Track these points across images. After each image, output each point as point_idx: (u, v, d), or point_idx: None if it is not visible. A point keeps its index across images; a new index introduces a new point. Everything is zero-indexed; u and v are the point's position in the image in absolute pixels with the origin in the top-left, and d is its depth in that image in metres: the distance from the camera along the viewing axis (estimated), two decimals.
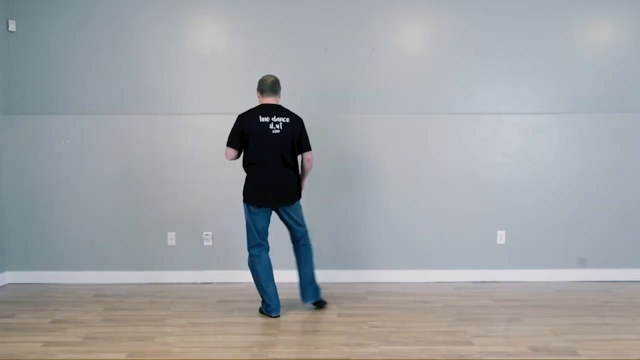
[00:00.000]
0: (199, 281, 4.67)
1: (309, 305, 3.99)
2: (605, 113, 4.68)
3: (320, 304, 3.95)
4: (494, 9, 4.67)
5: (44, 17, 4.64)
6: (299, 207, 3.91)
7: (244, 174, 3.88)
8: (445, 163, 4.66)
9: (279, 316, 3.78)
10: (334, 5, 4.66)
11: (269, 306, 3.78)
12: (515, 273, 4.68)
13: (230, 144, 3.75)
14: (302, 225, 3.92)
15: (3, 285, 4.60)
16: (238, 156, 3.82)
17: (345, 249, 4.68)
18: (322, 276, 4.63)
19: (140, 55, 4.67)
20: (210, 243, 4.67)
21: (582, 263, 4.69)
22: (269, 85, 3.78)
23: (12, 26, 4.62)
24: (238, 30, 4.70)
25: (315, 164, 4.54)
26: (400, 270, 4.68)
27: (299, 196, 3.88)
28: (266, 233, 3.83)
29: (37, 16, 4.64)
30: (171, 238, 4.66)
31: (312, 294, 3.91)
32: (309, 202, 4.61)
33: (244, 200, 3.79)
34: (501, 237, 4.68)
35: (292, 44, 4.68)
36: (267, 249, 3.83)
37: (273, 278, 3.82)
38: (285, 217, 3.86)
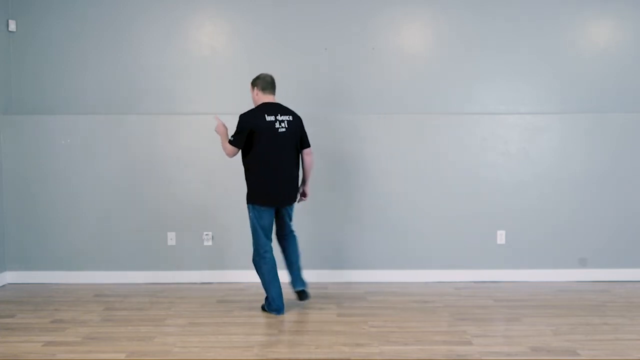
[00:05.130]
0: (199, 281, 4.67)
1: (309, 305, 4.00)
2: (605, 113, 4.68)
3: (305, 295, 3.92)
4: (493, 9, 4.67)
5: (44, 17, 4.64)
6: (294, 205, 3.98)
7: (243, 174, 3.88)
8: (445, 163, 4.66)
9: (282, 314, 3.81)
10: (334, 5, 4.67)
11: (272, 305, 3.81)
12: (515, 273, 4.68)
13: (234, 142, 3.71)
14: (290, 222, 3.97)
15: (3, 285, 4.60)
16: (237, 153, 3.80)
17: (345, 249, 4.68)
18: (322, 276, 4.65)
19: (140, 55, 4.68)
20: (210, 243, 4.67)
21: (582, 263, 4.69)
22: (270, 83, 3.78)
23: (12, 26, 4.62)
24: (238, 30, 4.70)
25: (315, 164, 4.54)
26: (400, 270, 4.68)
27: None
28: (271, 231, 3.84)
29: (37, 16, 4.64)
30: (171, 238, 4.66)
31: (302, 280, 3.93)
32: (309, 201, 4.62)
33: (250, 201, 3.76)
34: (501, 237, 4.68)
35: (292, 44, 4.68)
36: (272, 248, 3.83)
37: (278, 279, 3.82)
38: (285, 214, 3.88)
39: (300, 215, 4.65)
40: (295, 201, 3.89)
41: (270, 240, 3.82)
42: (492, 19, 4.68)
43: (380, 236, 4.67)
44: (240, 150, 3.77)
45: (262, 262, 3.78)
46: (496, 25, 4.69)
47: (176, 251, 4.67)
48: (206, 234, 4.67)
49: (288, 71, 4.65)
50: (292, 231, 3.98)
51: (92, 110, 4.67)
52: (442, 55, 4.71)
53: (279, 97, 4.08)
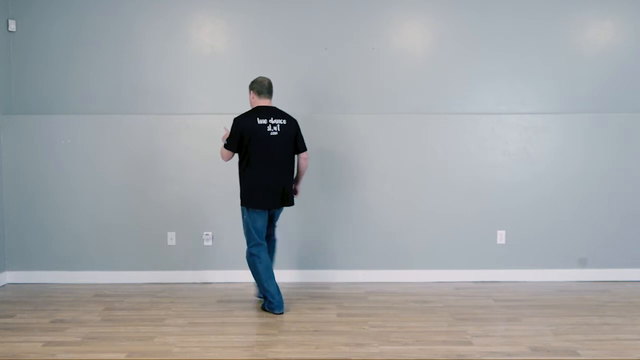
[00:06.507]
0: (199, 281, 4.67)
1: (309, 305, 4.00)
2: (605, 113, 4.68)
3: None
4: (493, 9, 4.67)
5: (44, 17, 4.64)
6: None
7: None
8: (445, 163, 4.66)
9: (282, 313, 3.82)
10: (334, 4, 4.67)
11: (272, 303, 3.82)
12: (515, 273, 4.68)
13: (228, 146, 3.76)
14: (275, 224, 4.06)
15: (3, 285, 4.60)
16: (232, 157, 3.86)
17: (345, 249, 4.67)
18: (322, 276, 4.66)
19: (140, 55, 4.68)
20: (210, 243, 4.67)
21: (582, 263, 4.69)
22: (266, 87, 3.81)
23: (12, 26, 4.62)
24: (238, 29, 4.70)
25: (315, 164, 4.54)
26: (400, 270, 4.68)
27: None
28: (265, 233, 3.87)
29: (37, 16, 4.64)
30: (171, 238, 4.66)
31: None
32: (310, 201, 4.62)
33: (244, 204, 3.80)
34: (501, 237, 4.68)
35: (292, 43, 4.68)
36: (266, 248, 3.87)
37: (274, 276, 3.85)
38: (275, 216, 3.96)
39: (300, 215, 4.66)
40: (289, 204, 3.91)
41: (264, 240, 3.86)
42: (492, 19, 4.68)
43: (380, 236, 4.67)
44: (236, 154, 3.83)
45: (257, 261, 3.81)
46: (496, 25, 4.69)
47: (176, 251, 4.67)
48: (206, 234, 4.67)
49: (288, 71, 4.66)
50: (274, 234, 4.06)
51: (93, 110, 4.67)
52: (442, 55, 4.71)
53: (279, 96, 4.09)
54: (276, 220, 4.02)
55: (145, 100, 4.69)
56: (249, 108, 3.94)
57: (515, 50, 4.69)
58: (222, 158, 3.85)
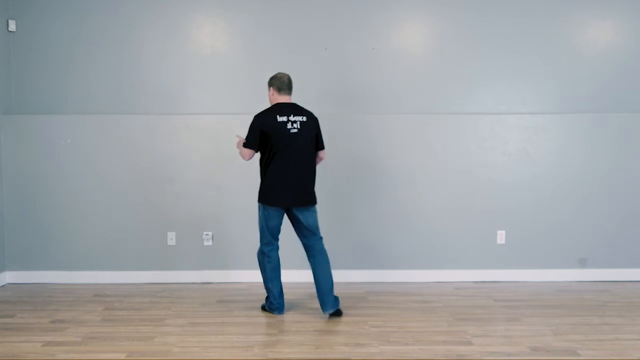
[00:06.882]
0: (199, 281, 4.67)
1: (309, 305, 4.00)
2: (605, 113, 4.68)
3: (337, 313, 3.80)
4: (493, 9, 4.67)
5: (44, 17, 4.64)
6: (314, 212, 3.79)
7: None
8: (445, 163, 4.66)
9: (282, 314, 3.81)
10: (334, 4, 4.67)
11: (273, 304, 3.81)
12: (515, 273, 4.67)
13: (248, 145, 3.68)
14: (313, 231, 3.77)
15: (3, 285, 4.60)
16: (253, 155, 3.77)
17: (345, 249, 4.67)
18: None
19: (140, 55, 4.68)
20: (210, 243, 4.67)
21: (582, 263, 4.69)
22: (286, 84, 3.73)
23: (12, 26, 4.62)
24: (238, 30, 4.70)
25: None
26: (400, 270, 4.67)
27: (315, 200, 3.79)
28: (278, 232, 3.80)
29: (37, 16, 4.64)
30: (171, 238, 4.66)
31: (333, 302, 3.76)
32: None
33: (259, 200, 3.74)
34: (501, 237, 4.68)
35: (293, 43, 4.68)
36: (278, 247, 3.83)
37: (280, 278, 3.83)
38: (297, 219, 3.74)
39: None
40: (306, 204, 3.74)
41: (277, 239, 3.81)
42: (492, 19, 4.68)
43: (380, 236, 4.67)
44: (257, 152, 3.74)
45: (266, 260, 3.78)
46: (496, 25, 4.69)
47: (176, 251, 4.67)
48: (206, 234, 4.67)
49: (288, 71, 4.62)
50: (319, 243, 3.80)
51: (93, 110, 4.67)
52: (442, 55, 4.71)
53: None
54: (311, 228, 3.74)
55: (145, 100, 4.69)
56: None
57: (515, 50, 4.69)
58: (243, 157, 3.76)
